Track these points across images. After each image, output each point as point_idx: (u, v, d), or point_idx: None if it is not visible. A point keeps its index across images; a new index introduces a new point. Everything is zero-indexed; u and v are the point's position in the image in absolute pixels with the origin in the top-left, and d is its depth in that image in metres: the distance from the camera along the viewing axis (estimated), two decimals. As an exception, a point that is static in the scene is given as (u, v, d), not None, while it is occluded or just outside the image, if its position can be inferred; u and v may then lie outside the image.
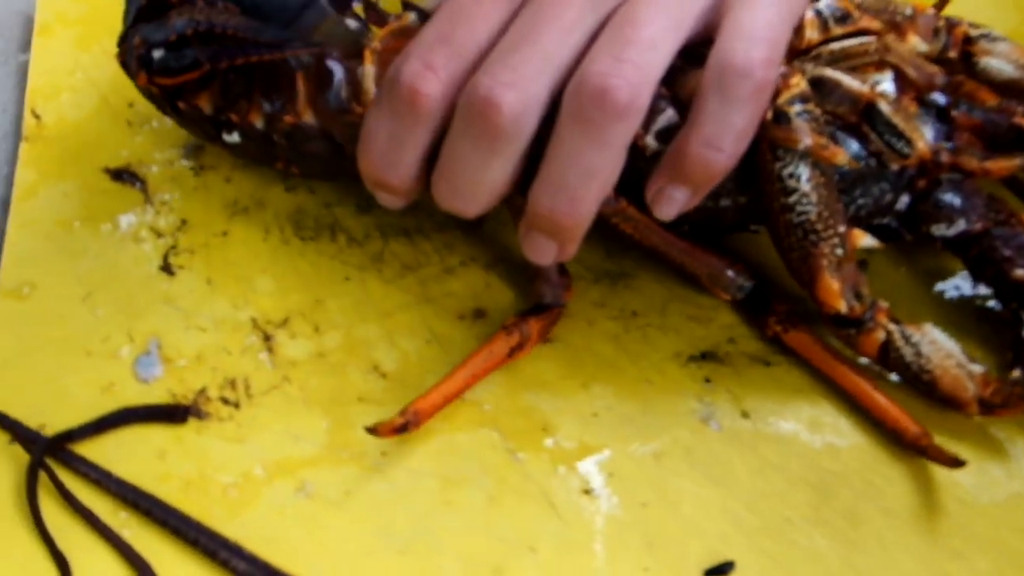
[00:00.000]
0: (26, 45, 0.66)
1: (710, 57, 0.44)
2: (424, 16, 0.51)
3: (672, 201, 0.47)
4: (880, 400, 0.49)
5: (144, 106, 0.60)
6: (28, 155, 0.60)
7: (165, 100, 0.54)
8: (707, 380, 0.51)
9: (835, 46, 0.50)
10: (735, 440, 0.49)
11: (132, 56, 0.53)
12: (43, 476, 0.48)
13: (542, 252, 0.47)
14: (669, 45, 0.44)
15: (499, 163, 0.45)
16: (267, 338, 0.52)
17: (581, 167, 0.44)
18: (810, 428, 0.49)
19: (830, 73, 0.49)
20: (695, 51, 0.46)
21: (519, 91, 0.44)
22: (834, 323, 0.49)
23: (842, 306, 0.48)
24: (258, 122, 0.53)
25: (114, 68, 0.58)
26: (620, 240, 0.51)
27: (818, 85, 0.48)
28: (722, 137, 0.44)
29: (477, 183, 0.46)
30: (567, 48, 0.45)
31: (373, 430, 0.47)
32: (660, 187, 0.47)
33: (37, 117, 0.61)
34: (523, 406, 0.50)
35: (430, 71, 0.45)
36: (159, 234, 0.56)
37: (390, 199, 0.49)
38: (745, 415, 0.50)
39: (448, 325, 0.53)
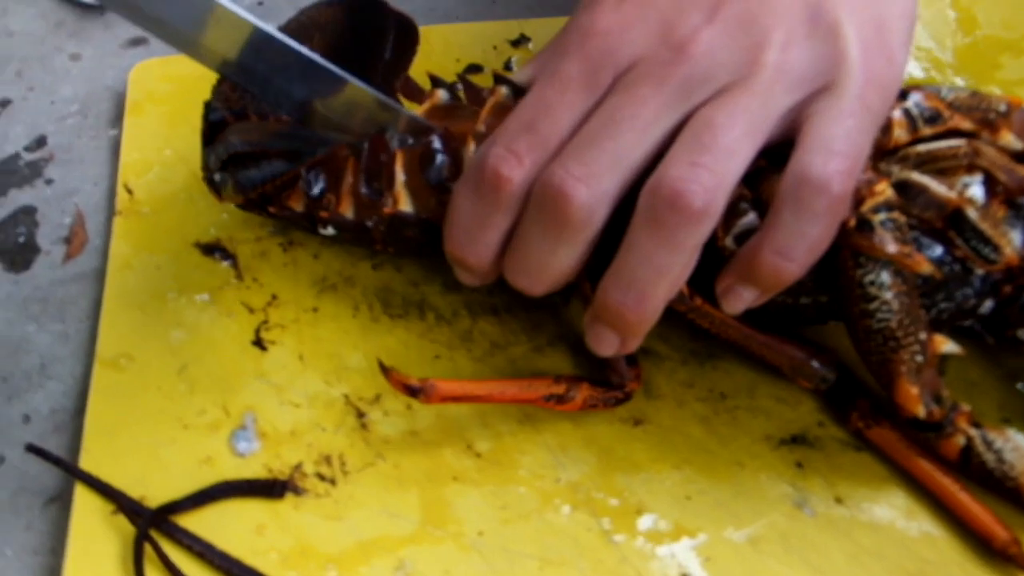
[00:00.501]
0: (116, 120, 0.67)
1: (788, 167, 0.45)
2: (516, 89, 0.52)
3: (740, 299, 0.48)
4: (967, 502, 0.48)
5: (234, 183, 0.60)
6: (121, 228, 0.61)
7: (256, 208, 0.56)
8: (798, 464, 0.51)
9: (923, 147, 0.50)
10: (830, 526, 0.49)
11: (213, 177, 0.55)
12: (147, 547, 0.48)
13: (605, 344, 0.49)
14: (746, 152, 0.45)
15: (566, 250, 0.47)
16: (360, 415, 0.53)
17: (652, 266, 0.45)
18: (906, 516, 0.50)
19: (917, 177, 0.49)
20: (781, 152, 0.47)
21: (591, 186, 0.45)
22: (913, 427, 0.49)
23: (921, 411, 0.48)
24: (348, 213, 0.54)
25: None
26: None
27: (904, 189, 0.48)
28: (794, 248, 0.45)
29: (544, 266, 0.47)
30: (642, 148, 0.46)
31: (387, 372, 0.49)
32: (730, 284, 0.48)
33: (129, 192, 0.62)
34: (617, 487, 0.50)
35: (514, 157, 0.46)
36: (250, 309, 0.57)
37: (469, 276, 0.51)
38: (839, 501, 0.50)
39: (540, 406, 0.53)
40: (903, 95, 0.50)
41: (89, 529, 0.49)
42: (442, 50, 0.65)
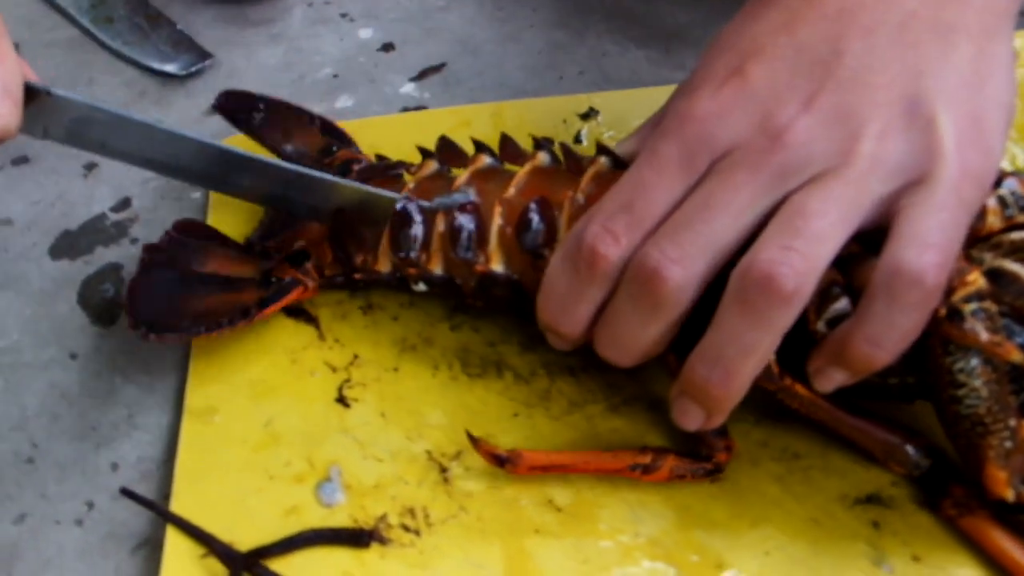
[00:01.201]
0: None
1: (881, 258, 0.46)
2: (616, 161, 0.54)
3: (831, 380, 0.49)
4: None
5: (314, 247, 0.63)
6: (208, 291, 0.62)
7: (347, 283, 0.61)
8: (874, 524, 0.52)
9: (1017, 235, 0.50)
10: (907, 583, 0.49)
11: None
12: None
13: (690, 418, 0.50)
14: (837, 238, 0.46)
15: (656, 327, 0.49)
16: (443, 470, 0.54)
17: (740, 345, 0.47)
18: (985, 574, 0.50)
19: (1010, 265, 0.49)
20: (874, 238, 0.47)
21: (683, 268, 0.47)
22: (1001, 509, 0.49)
23: (1009, 495, 0.48)
24: (438, 269, 0.57)
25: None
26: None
27: (996, 276, 0.48)
28: (886, 337, 0.46)
29: (634, 340, 0.49)
30: (734, 231, 0.47)
31: (475, 441, 0.52)
32: (821, 366, 0.49)
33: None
34: (696, 543, 0.51)
35: (611, 236, 0.48)
36: (333, 368, 0.58)
37: (559, 342, 0.53)
38: (917, 559, 0.51)
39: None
40: (997, 181, 0.50)
41: (180, 572, 0.51)
42: (515, 124, 0.67)
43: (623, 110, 0.68)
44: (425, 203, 0.58)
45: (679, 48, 0.78)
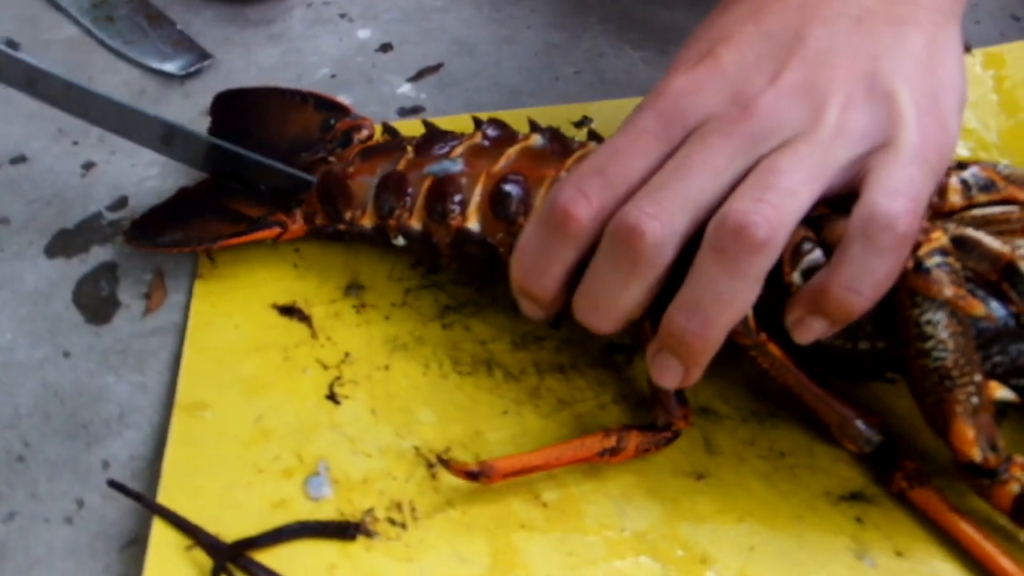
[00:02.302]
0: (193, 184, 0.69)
1: (856, 207, 0.48)
2: (553, 140, 0.58)
3: (810, 329, 0.50)
4: (1010, 569, 0.49)
5: (308, 251, 0.65)
6: (202, 290, 0.63)
7: (333, 235, 0.62)
8: (858, 519, 0.52)
9: (978, 212, 0.53)
10: (891, 578, 0.49)
11: None
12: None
13: (669, 374, 0.51)
14: (806, 194, 0.48)
15: (636, 285, 0.49)
16: (430, 466, 0.54)
17: (716, 293, 0.48)
18: (966, 570, 0.51)
19: (971, 232, 0.51)
20: (842, 203, 0.49)
21: (662, 223, 0.48)
22: (967, 472, 0.50)
23: (976, 455, 0.49)
24: (416, 225, 0.59)
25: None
26: (761, 377, 0.53)
27: (959, 243, 0.50)
28: (862, 281, 0.48)
29: (614, 301, 0.50)
30: (711, 190, 0.49)
31: (446, 463, 0.51)
32: (800, 316, 0.50)
33: (210, 257, 0.64)
34: (682, 538, 0.52)
35: (583, 197, 0.50)
36: (324, 365, 0.59)
37: (531, 307, 0.54)
38: (899, 554, 0.51)
39: (607, 457, 0.54)
40: (961, 167, 0.53)
41: (165, 563, 0.51)
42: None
43: (617, 118, 0.68)
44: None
45: (675, 50, 0.77)
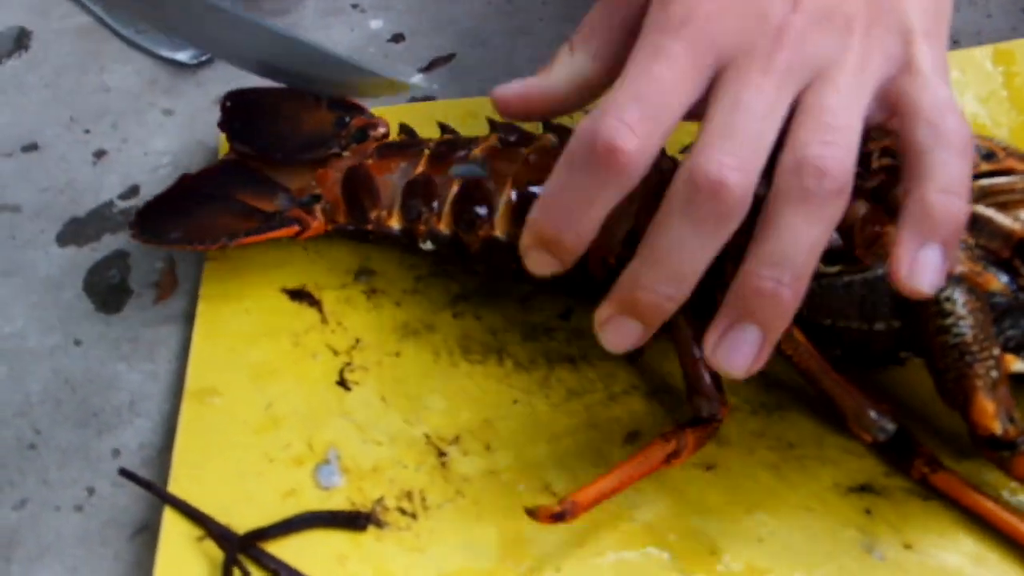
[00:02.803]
0: (206, 173, 0.69)
1: (915, 124, 0.48)
2: (563, 139, 0.56)
3: (930, 265, 0.47)
4: None
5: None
6: (212, 273, 0.63)
7: (356, 234, 0.61)
8: (867, 511, 0.52)
9: (984, 182, 0.52)
10: (899, 570, 0.50)
11: None
12: (235, 572, 0.50)
13: (747, 347, 0.47)
14: (857, 129, 0.47)
15: (713, 244, 0.46)
16: (441, 454, 0.54)
17: (804, 242, 0.46)
18: (974, 562, 0.50)
19: (981, 209, 0.51)
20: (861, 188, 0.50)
21: (745, 172, 0.45)
22: (987, 445, 0.50)
23: (997, 427, 0.49)
24: (445, 230, 0.59)
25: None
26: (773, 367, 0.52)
27: (970, 220, 0.50)
28: (957, 183, 0.47)
29: (692, 263, 0.45)
30: (771, 131, 0.47)
31: (533, 512, 0.48)
32: (912, 255, 0.47)
33: (220, 241, 0.64)
34: (691, 528, 0.52)
35: (626, 128, 0.46)
36: (335, 351, 0.59)
37: (550, 261, 0.49)
38: (907, 546, 0.51)
39: (615, 449, 0.55)
40: None
41: (176, 554, 0.51)
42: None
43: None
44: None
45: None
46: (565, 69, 0.54)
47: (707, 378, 0.53)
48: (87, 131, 0.73)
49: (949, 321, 0.49)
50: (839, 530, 0.52)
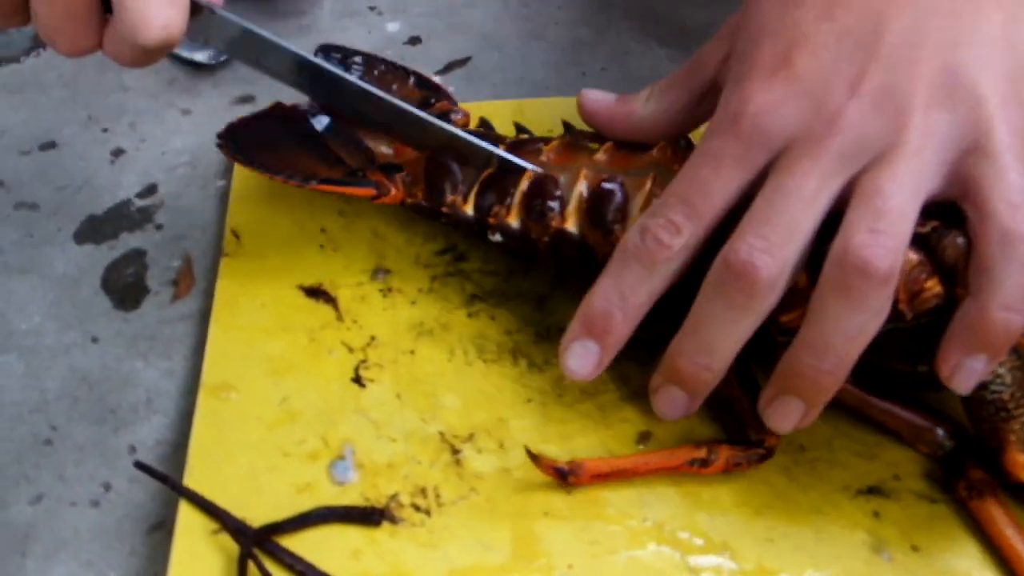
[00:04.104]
0: (223, 172, 0.70)
1: (982, 224, 0.47)
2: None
3: (973, 372, 0.49)
4: None
5: (335, 232, 0.66)
6: (228, 268, 0.64)
7: (430, 213, 0.62)
8: (875, 514, 0.53)
9: None
10: (906, 572, 0.51)
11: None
12: (250, 565, 0.50)
13: (791, 417, 0.51)
14: (913, 212, 0.48)
15: (749, 321, 0.49)
16: (455, 451, 0.55)
17: (846, 331, 0.48)
18: (981, 565, 0.51)
19: None
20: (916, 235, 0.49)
21: (774, 256, 0.48)
22: (1018, 491, 0.51)
23: None
24: (514, 223, 0.59)
25: (308, 197, 0.65)
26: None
27: None
28: (1017, 298, 0.47)
29: (726, 340, 0.49)
30: (811, 218, 0.49)
31: (536, 458, 0.52)
32: (958, 360, 0.49)
33: (237, 236, 0.64)
34: (702, 528, 0.52)
35: (672, 226, 0.50)
36: (350, 348, 0.59)
37: (587, 354, 0.54)
38: (915, 549, 0.51)
39: (627, 449, 0.56)
40: None
41: (192, 547, 0.51)
42: (536, 121, 0.68)
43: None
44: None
45: (700, 46, 0.78)
46: (640, 110, 0.59)
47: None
48: (105, 130, 0.74)
49: (988, 378, 0.49)
50: (848, 532, 0.52)
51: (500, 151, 0.60)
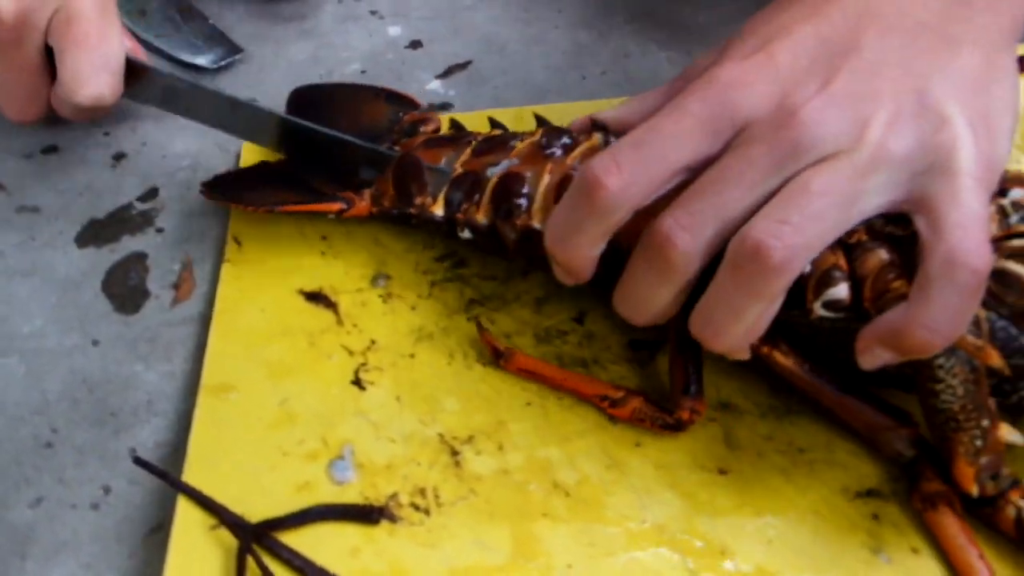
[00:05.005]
0: (223, 176, 0.70)
1: (930, 244, 0.47)
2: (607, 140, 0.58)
3: (878, 359, 0.49)
4: None
5: (336, 239, 0.66)
6: (229, 274, 0.64)
7: (399, 218, 0.63)
8: (874, 516, 0.53)
9: (1017, 242, 0.51)
10: (905, 574, 0.51)
11: None
12: (249, 560, 0.50)
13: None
14: (834, 219, 0.48)
15: (666, 288, 0.51)
16: (454, 453, 0.55)
17: (729, 308, 0.49)
18: (979, 568, 0.50)
19: (1012, 267, 0.50)
20: (892, 235, 0.50)
21: (693, 235, 0.49)
22: (968, 502, 0.51)
23: (974, 490, 0.50)
24: (483, 220, 0.60)
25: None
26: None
27: (999, 277, 0.50)
28: (944, 322, 0.46)
29: (645, 301, 0.51)
30: (743, 204, 0.49)
31: (482, 329, 0.59)
32: (869, 346, 0.49)
33: (238, 243, 0.65)
34: (701, 530, 0.52)
35: (615, 166, 0.50)
36: (350, 352, 0.59)
37: (562, 274, 0.55)
38: (914, 551, 0.51)
39: (626, 451, 0.56)
40: (1003, 191, 0.52)
41: (189, 542, 0.52)
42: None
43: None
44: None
45: (700, 49, 0.79)
46: (617, 111, 0.60)
47: (685, 380, 0.55)
48: (106, 133, 0.74)
49: (939, 387, 0.49)
50: (847, 534, 0.52)
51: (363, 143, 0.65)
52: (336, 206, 0.63)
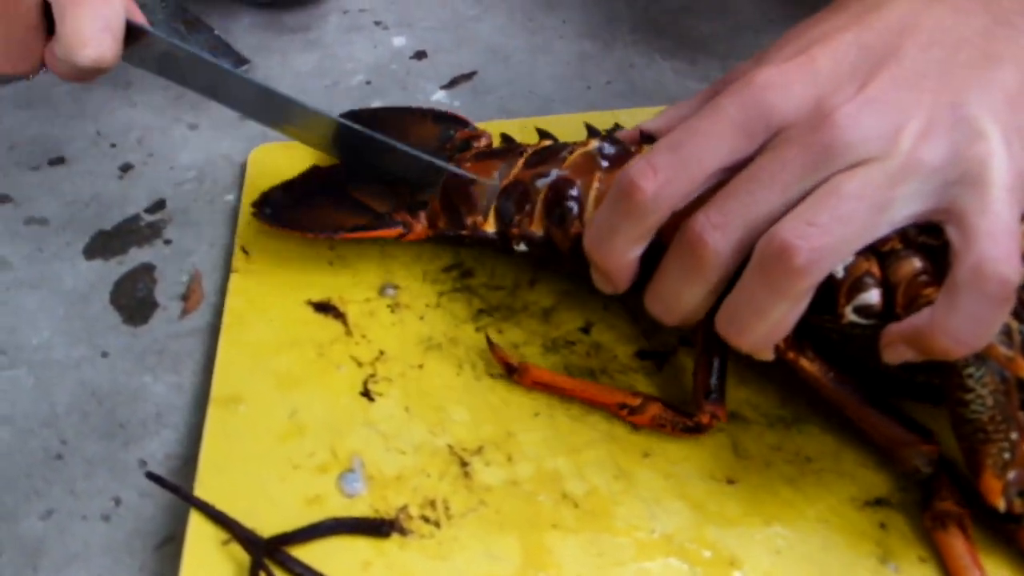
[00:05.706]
0: (231, 187, 0.71)
1: (960, 254, 0.47)
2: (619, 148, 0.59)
3: (903, 356, 0.49)
4: None
5: (344, 249, 0.66)
6: (237, 285, 0.64)
7: (454, 240, 0.64)
8: (882, 525, 0.53)
9: None
10: (915, 583, 0.50)
11: None
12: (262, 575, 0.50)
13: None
14: (862, 223, 0.48)
15: (697, 289, 0.51)
16: (464, 464, 0.55)
17: (752, 306, 0.49)
18: (989, 576, 0.50)
19: None
20: (926, 245, 0.50)
21: (724, 235, 0.49)
22: (993, 516, 0.50)
23: (1001, 504, 0.49)
24: (538, 231, 0.60)
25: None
26: (789, 383, 0.54)
27: None
28: (969, 332, 0.47)
29: (676, 299, 0.51)
30: (775, 205, 0.49)
31: (492, 346, 0.58)
32: (894, 342, 0.49)
33: (246, 252, 0.65)
34: (710, 540, 0.52)
35: (651, 170, 0.50)
36: (359, 363, 0.60)
37: (601, 281, 0.56)
38: (922, 560, 0.51)
39: (634, 462, 0.56)
40: None
41: (202, 557, 0.52)
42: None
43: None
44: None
45: (704, 60, 0.79)
46: (671, 114, 0.60)
47: (708, 384, 0.55)
48: (113, 145, 0.74)
49: (969, 396, 0.49)
50: (855, 543, 0.53)
51: (448, 164, 0.64)
52: (395, 231, 0.63)
